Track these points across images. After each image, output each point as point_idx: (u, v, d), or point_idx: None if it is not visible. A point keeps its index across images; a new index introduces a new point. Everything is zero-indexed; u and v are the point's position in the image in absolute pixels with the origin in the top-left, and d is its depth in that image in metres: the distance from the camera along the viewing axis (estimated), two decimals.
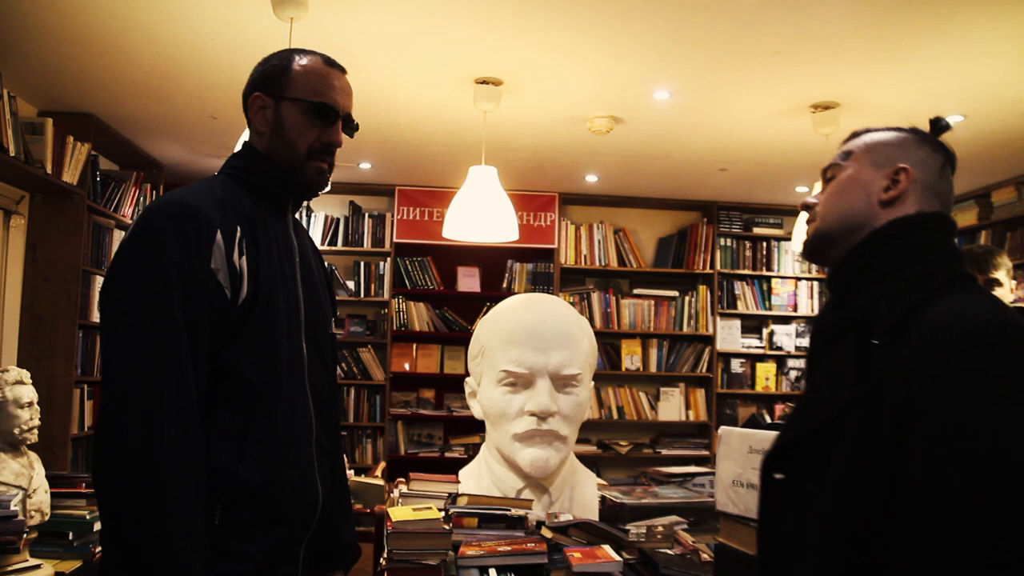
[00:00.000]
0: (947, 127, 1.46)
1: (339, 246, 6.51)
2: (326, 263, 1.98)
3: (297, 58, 1.70)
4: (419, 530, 2.32)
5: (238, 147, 1.80)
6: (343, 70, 1.74)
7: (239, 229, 1.57)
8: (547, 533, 2.54)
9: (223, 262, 1.53)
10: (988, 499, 1.09)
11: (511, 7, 3.31)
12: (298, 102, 1.66)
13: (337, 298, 6.39)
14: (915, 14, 3.27)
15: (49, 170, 4.21)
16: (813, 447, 1.29)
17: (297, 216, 1.84)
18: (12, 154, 3.84)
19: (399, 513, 2.42)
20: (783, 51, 3.64)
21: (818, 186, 1.54)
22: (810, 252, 1.47)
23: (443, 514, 2.69)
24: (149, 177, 5.57)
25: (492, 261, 6.58)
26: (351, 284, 6.52)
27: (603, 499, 3.00)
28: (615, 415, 6.62)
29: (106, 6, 3.36)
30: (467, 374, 3.34)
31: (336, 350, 1.95)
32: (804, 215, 1.52)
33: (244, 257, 1.56)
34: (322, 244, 6.45)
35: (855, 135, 1.48)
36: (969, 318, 1.19)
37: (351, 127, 1.75)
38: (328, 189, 1.89)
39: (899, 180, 1.37)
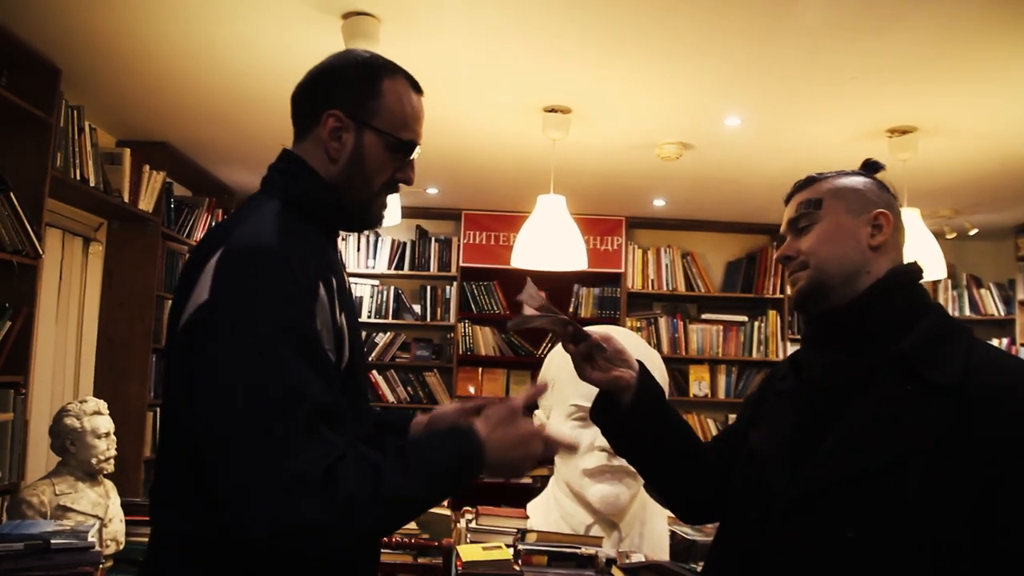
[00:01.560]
0: (881, 167, 1.57)
1: (406, 270, 6.55)
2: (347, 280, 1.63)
3: (387, 78, 1.46)
4: (490, 572, 2.29)
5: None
6: (422, 92, 1.54)
7: (334, 280, 1.35)
8: (618, 573, 2.49)
9: (328, 321, 1.29)
10: None
11: (580, 37, 3.29)
12: (385, 136, 1.44)
13: (404, 321, 6.45)
14: (999, 36, 3.16)
15: (127, 199, 4.31)
16: (856, 492, 1.31)
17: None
18: (92, 184, 3.94)
19: (469, 552, 2.39)
20: (860, 76, 3.55)
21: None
22: (806, 301, 1.50)
23: (512, 551, 2.66)
24: (221, 202, 5.66)
25: (558, 286, 6.53)
26: (417, 308, 6.54)
27: (673, 534, 2.94)
28: None
29: (181, 41, 3.43)
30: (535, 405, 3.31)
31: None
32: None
33: (343, 314, 1.36)
34: (389, 268, 6.51)
35: (810, 181, 1.54)
36: None
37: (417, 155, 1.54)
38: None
39: (881, 225, 1.46)
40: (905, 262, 1.49)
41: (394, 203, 3.64)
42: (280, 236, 1.30)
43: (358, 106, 1.43)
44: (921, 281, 1.49)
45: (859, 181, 1.51)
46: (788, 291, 6.57)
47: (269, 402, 1.15)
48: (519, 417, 1.38)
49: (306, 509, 1.12)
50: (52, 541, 2.35)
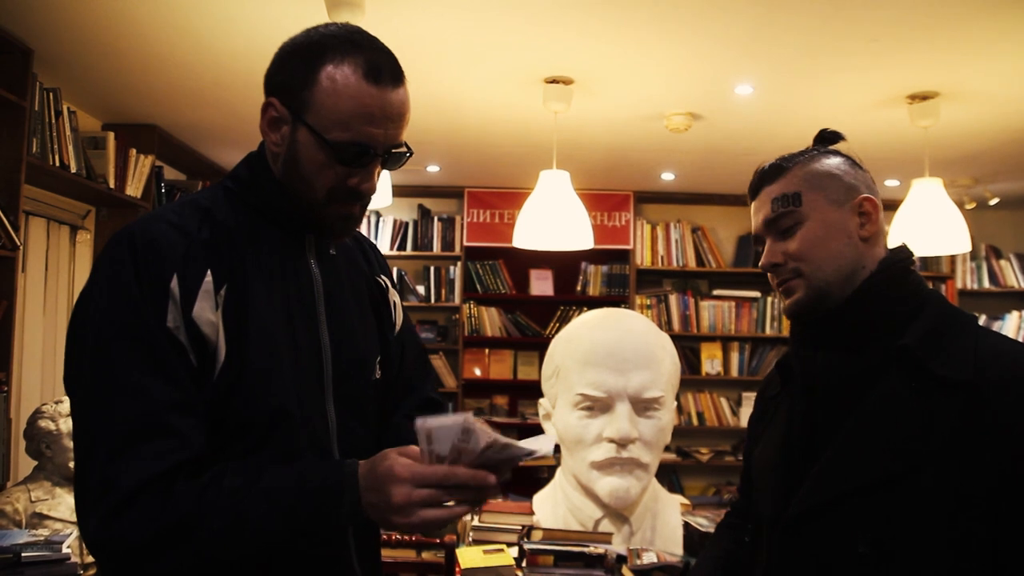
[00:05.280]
0: (840, 137, 1.45)
1: (408, 251, 6.39)
2: (383, 281, 1.50)
3: (330, 63, 1.22)
4: None
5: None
6: (395, 81, 1.24)
7: (209, 272, 1.18)
8: (628, 575, 2.36)
9: (179, 320, 1.15)
10: None
11: (581, 3, 3.11)
12: (315, 135, 1.22)
13: (407, 304, 6.29)
14: None
15: (112, 184, 4.14)
16: (866, 504, 1.20)
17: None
18: (73, 171, 3.77)
19: (468, 557, 2.25)
20: (879, 39, 3.36)
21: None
22: (805, 311, 1.35)
23: (516, 549, 2.52)
24: None
25: (565, 263, 6.37)
26: (421, 289, 6.40)
27: (687, 526, 2.81)
28: (695, 421, 6.37)
29: (164, 20, 3.27)
30: (540, 382, 3.16)
31: (375, 400, 1.43)
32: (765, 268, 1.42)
33: (219, 311, 1.18)
34: (391, 249, 6.34)
35: (778, 170, 1.39)
36: None
37: (398, 160, 1.29)
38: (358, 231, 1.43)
39: (868, 212, 1.34)
40: (890, 246, 1.38)
41: (384, 182, 3.47)
42: (155, 219, 1.21)
43: (293, 95, 1.25)
44: (913, 266, 1.38)
45: (831, 163, 1.38)
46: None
47: (98, 416, 1.13)
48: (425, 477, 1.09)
49: (107, 525, 1.09)
50: (24, 554, 2.21)
